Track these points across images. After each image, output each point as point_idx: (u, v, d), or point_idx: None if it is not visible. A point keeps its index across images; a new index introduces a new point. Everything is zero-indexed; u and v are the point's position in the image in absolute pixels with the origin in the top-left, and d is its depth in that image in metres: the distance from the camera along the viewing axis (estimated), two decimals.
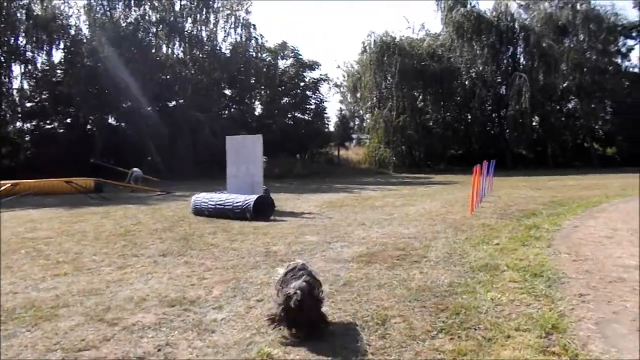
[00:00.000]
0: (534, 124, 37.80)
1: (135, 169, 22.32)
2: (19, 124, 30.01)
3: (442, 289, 5.30)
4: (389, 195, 16.87)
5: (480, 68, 36.41)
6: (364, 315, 4.52)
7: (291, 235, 8.81)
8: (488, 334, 4.01)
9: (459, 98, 37.45)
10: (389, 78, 35.49)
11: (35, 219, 11.88)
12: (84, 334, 4.17)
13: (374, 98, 36.71)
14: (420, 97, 37.14)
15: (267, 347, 3.81)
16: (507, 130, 35.50)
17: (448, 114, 37.74)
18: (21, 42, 29.02)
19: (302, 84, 35.15)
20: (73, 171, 21.58)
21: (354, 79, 39.28)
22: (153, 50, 31.25)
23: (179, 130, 28.44)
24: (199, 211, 11.87)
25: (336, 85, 43.45)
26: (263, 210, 11.16)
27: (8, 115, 29.55)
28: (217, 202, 11.52)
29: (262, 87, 34.60)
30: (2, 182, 15.69)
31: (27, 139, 29.75)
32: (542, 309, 4.60)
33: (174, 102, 31.97)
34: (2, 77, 29.41)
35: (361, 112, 42.05)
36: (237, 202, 11.14)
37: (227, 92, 34.37)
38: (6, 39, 28.55)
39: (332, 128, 59.04)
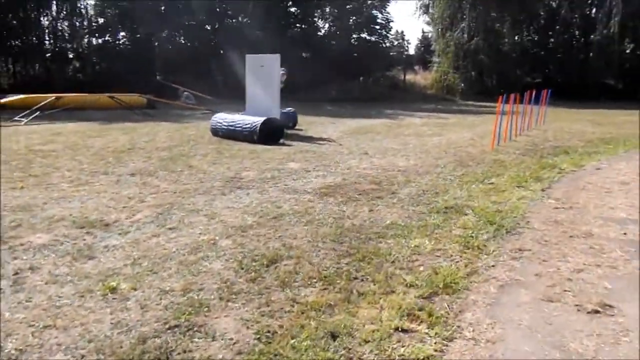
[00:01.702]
0: (626, 51, 33.93)
1: (186, 92, 22.69)
2: (88, 39, 30.79)
3: (374, 230, 4.81)
4: (429, 124, 15.91)
5: None
6: (258, 253, 4.16)
7: (277, 161, 8.45)
8: (368, 288, 3.55)
9: (541, 20, 34.08)
10: None
11: (61, 132, 12.24)
12: None
13: (446, 19, 34.17)
14: (496, 19, 33.99)
15: (120, 281, 3.57)
16: (592, 58, 32.13)
17: (527, 37, 34.57)
18: None
19: (369, 1, 33.27)
20: (137, 87, 22.06)
21: None
22: None
23: (238, 49, 28.08)
24: (214, 132, 11.71)
25: (425, 6, 40.36)
26: (272, 133, 10.80)
27: (79, 30, 30.39)
28: (230, 124, 11.27)
29: (327, 4, 33.13)
30: (46, 95, 16.26)
31: (95, 54, 30.58)
32: (459, 263, 4.02)
33: (235, 20, 31.44)
34: None
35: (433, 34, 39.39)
36: (246, 124, 10.84)
37: (292, 9, 33.25)
38: None
39: (412, 51, 56.57)
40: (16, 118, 14.50)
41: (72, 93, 18.48)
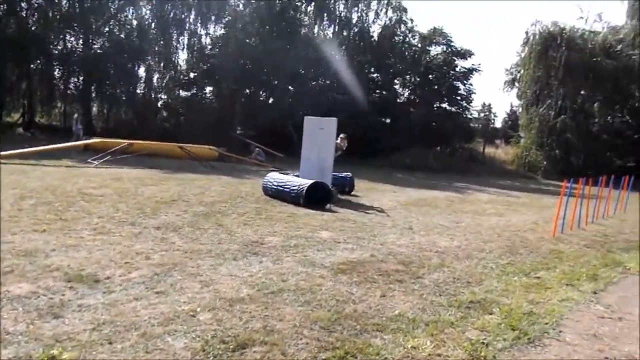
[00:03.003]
0: None
1: (257, 148, 23.18)
2: (177, 91, 32.60)
3: (375, 320, 4.27)
4: (495, 202, 15.00)
5: None
6: (232, 333, 3.75)
7: (310, 227, 8.06)
8: None
9: (636, 103, 32.01)
10: (551, 73, 31.57)
11: (121, 177, 12.62)
12: None
13: (532, 94, 33.06)
14: (587, 97, 32.33)
15: (66, 349, 3.27)
16: None
17: (620, 118, 32.56)
18: (187, 16, 31.30)
19: (451, 72, 32.99)
20: (216, 140, 22.92)
21: (513, 71, 35.85)
22: (304, 31, 31.77)
23: (317, 110, 28.60)
24: (265, 190, 11.59)
25: (514, 81, 39.35)
26: (320, 197, 10.51)
27: (170, 82, 32.34)
28: (279, 184, 11.12)
29: (409, 73, 33.27)
30: (119, 141, 17.09)
31: (182, 105, 32.26)
32: None
33: (316, 82, 32.20)
34: (172, 50, 32.21)
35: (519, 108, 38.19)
36: (294, 186, 10.63)
37: (373, 75, 33.63)
38: (176, 12, 31.06)
39: (498, 124, 55.43)
40: (89, 160, 15.26)
41: (155, 141, 19.38)
